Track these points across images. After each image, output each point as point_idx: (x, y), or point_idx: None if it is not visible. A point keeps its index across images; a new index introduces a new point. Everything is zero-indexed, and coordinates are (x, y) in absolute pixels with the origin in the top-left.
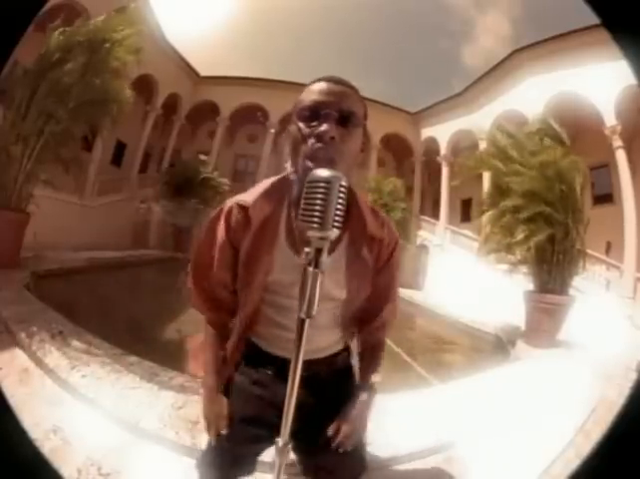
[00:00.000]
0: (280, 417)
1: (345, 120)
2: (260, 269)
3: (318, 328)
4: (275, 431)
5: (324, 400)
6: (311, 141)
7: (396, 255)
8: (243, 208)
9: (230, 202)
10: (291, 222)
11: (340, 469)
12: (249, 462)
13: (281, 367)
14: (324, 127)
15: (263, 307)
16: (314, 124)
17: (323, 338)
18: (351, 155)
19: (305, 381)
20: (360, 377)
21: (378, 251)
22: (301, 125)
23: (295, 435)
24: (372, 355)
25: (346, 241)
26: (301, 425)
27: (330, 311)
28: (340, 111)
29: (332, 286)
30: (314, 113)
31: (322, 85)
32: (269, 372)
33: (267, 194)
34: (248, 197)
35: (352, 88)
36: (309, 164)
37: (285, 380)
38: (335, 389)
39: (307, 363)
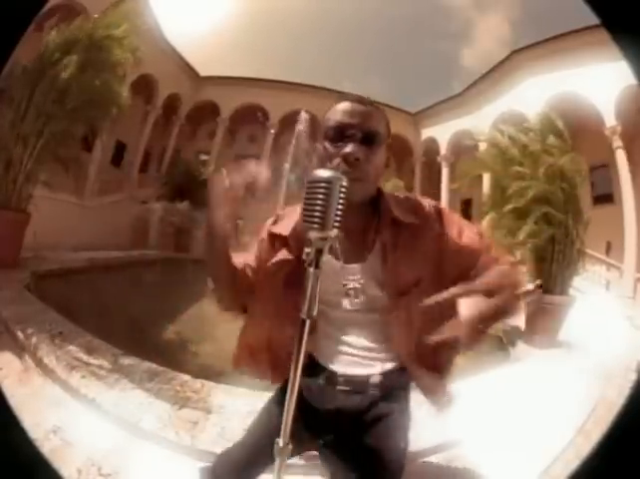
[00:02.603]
0: (318, 426)
1: (369, 140)
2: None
3: (366, 341)
4: (311, 440)
5: (364, 420)
6: (336, 161)
7: (448, 225)
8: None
9: (270, 228)
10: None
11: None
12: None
13: (329, 378)
14: (349, 148)
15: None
16: (339, 144)
17: (368, 353)
18: (376, 172)
19: (350, 397)
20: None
21: (421, 235)
22: (327, 144)
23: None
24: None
25: (379, 244)
26: (342, 437)
27: (377, 323)
28: (364, 131)
29: (375, 291)
30: (339, 133)
31: (347, 105)
32: (320, 382)
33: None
34: (285, 226)
35: (376, 107)
36: None
37: (332, 391)
38: (381, 412)
39: (350, 380)
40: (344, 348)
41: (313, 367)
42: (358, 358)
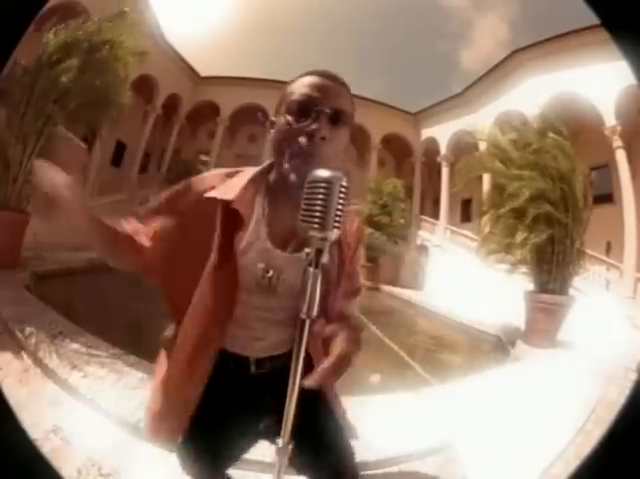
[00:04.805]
0: (255, 413)
1: (336, 118)
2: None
3: (277, 325)
4: (253, 425)
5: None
6: (301, 138)
7: (358, 247)
8: (225, 201)
9: (208, 190)
10: (275, 216)
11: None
12: (233, 459)
13: (243, 365)
14: (316, 125)
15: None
16: (304, 120)
17: (280, 335)
18: (338, 154)
19: (270, 377)
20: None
21: (340, 248)
22: (290, 119)
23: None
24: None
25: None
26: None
27: (291, 309)
28: (332, 109)
29: (293, 281)
30: (305, 108)
31: (315, 79)
32: (235, 371)
33: (246, 189)
34: (229, 191)
35: (344, 85)
36: (296, 162)
37: (247, 378)
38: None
39: (267, 360)
40: (251, 333)
41: (223, 356)
42: (266, 341)
